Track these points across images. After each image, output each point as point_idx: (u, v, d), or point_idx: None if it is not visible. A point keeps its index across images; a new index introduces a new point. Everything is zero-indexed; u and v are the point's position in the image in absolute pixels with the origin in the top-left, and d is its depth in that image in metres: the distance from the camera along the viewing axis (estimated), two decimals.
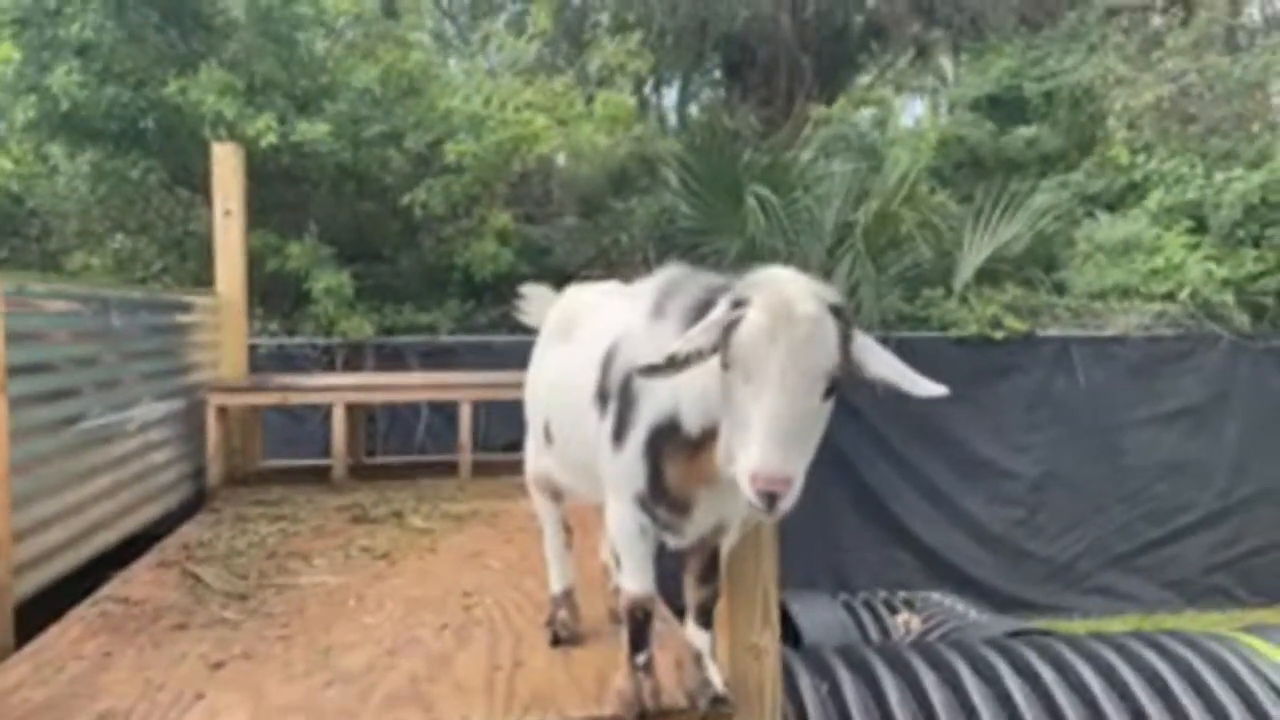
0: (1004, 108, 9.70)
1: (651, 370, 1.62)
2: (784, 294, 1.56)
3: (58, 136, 6.30)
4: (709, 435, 1.72)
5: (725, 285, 1.73)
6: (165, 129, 6.13)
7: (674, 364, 1.60)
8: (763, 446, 1.48)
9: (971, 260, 7.31)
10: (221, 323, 4.68)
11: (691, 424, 1.76)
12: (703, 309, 1.72)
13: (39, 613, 2.68)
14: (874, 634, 4.23)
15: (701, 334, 1.61)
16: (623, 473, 1.90)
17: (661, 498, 1.87)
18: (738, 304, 1.58)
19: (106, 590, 2.87)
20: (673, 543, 1.97)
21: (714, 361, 1.62)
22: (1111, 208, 8.61)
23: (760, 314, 1.54)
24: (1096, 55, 9.88)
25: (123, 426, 3.45)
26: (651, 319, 1.87)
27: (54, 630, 2.56)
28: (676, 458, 1.80)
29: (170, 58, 6.20)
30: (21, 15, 5.94)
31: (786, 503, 1.49)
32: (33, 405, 2.83)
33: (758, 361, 1.52)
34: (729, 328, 1.56)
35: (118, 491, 3.38)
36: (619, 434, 1.88)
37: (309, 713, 2.03)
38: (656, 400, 1.81)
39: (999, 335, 6.82)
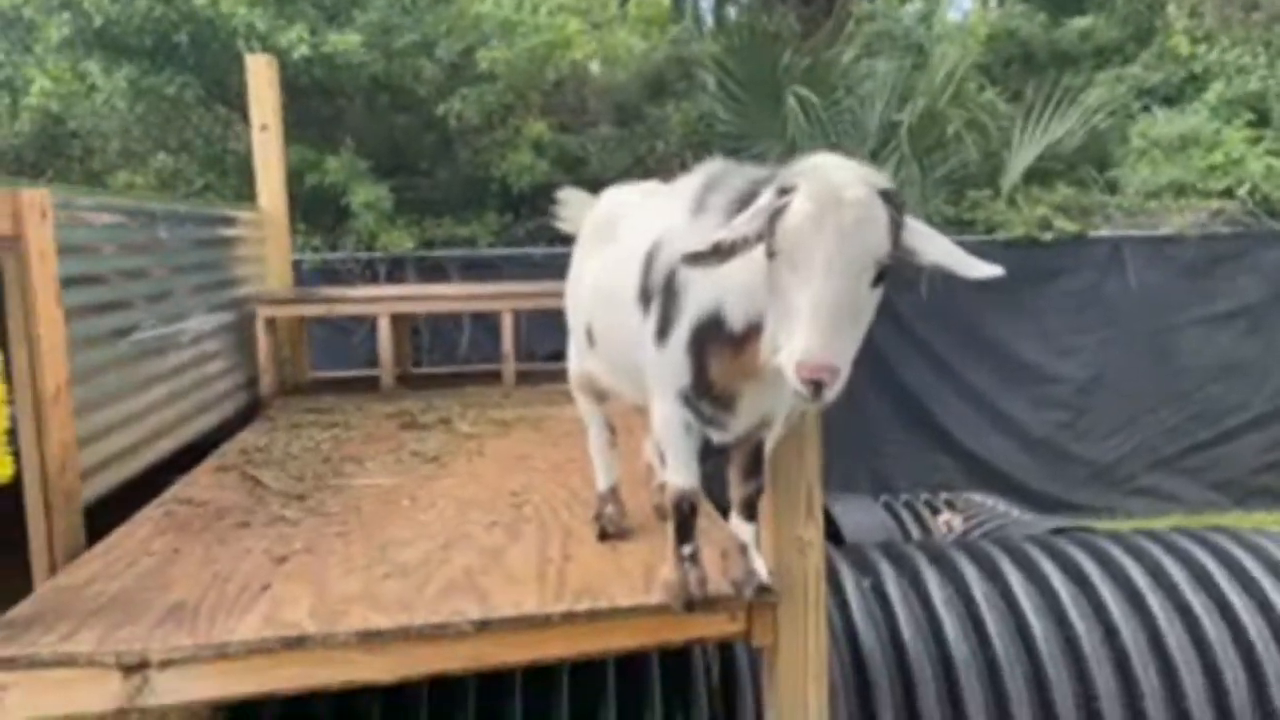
0: None
1: (696, 259, 1.60)
2: (831, 179, 1.52)
3: (93, 53, 6.30)
4: (754, 330, 1.71)
5: (770, 176, 1.70)
6: (198, 43, 6.08)
7: (719, 252, 1.58)
8: (808, 334, 1.46)
9: (1021, 159, 7.06)
10: (265, 237, 4.72)
11: (735, 319, 1.75)
12: (747, 200, 1.69)
13: (108, 516, 2.80)
14: (915, 534, 4.27)
15: (747, 222, 1.59)
16: (667, 369, 1.90)
17: (706, 393, 1.87)
18: (783, 191, 1.55)
19: (171, 492, 2.99)
20: (717, 438, 1.98)
21: (759, 256, 1.60)
22: (1170, 101, 8.25)
23: (807, 200, 1.50)
24: None
25: (176, 338, 3.53)
26: (694, 215, 1.85)
27: (123, 529, 2.68)
28: (721, 354, 1.80)
29: None
30: None
31: (832, 391, 1.48)
32: (88, 316, 2.90)
33: (804, 249, 1.49)
34: (775, 215, 1.53)
35: (175, 401, 3.48)
36: (663, 331, 1.88)
37: (369, 602, 2.11)
38: (699, 296, 1.80)
39: (1048, 237, 6.64)
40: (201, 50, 6.15)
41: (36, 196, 2.63)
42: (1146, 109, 8.14)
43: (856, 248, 1.48)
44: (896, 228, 1.53)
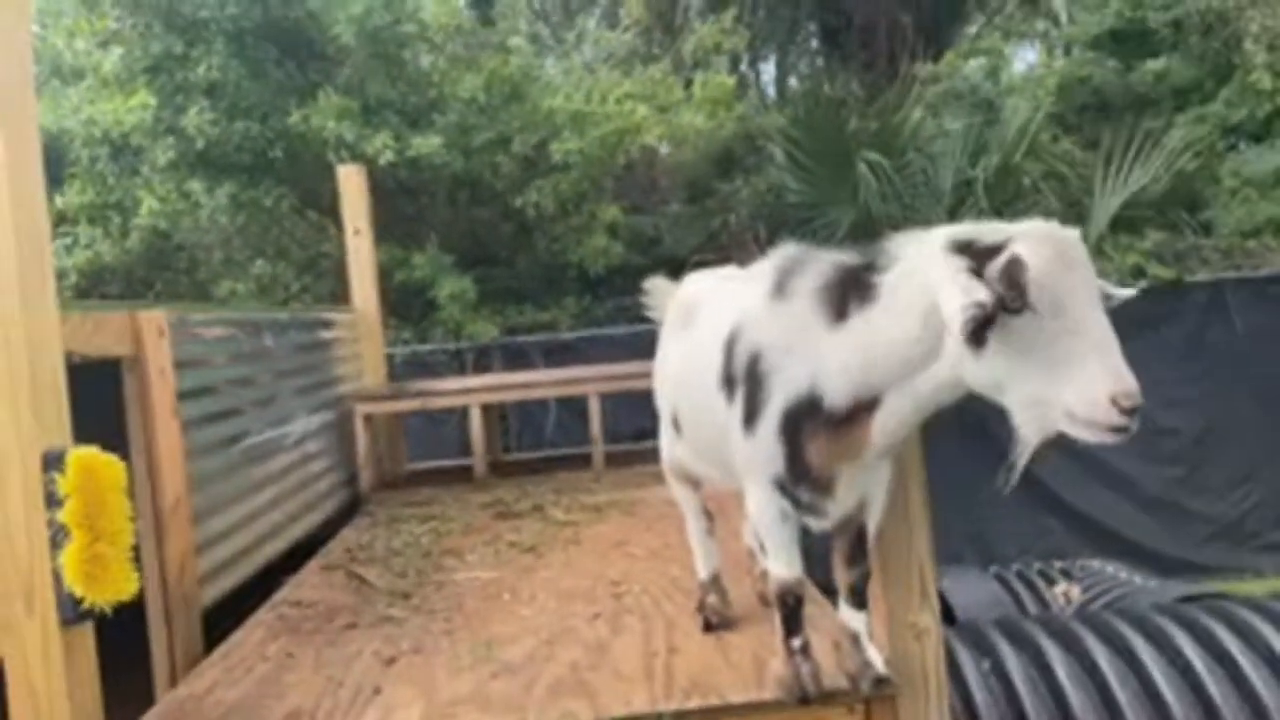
0: (1128, 42, 9.11)
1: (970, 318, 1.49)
2: (1043, 228, 1.55)
3: (196, 173, 6.75)
4: (862, 409, 1.71)
5: (867, 261, 1.71)
6: (292, 157, 6.47)
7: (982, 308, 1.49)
8: (1113, 364, 1.46)
9: (1105, 207, 6.90)
10: (360, 336, 4.91)
11: (837, 400, 1.74)
12: (837, 283, 1.73)
13: (222, 620, 2.88)
14: (1031, 607, 4.06)
15: (978, 288, 1.49)
16: (758, 457, 1.88)
17: (803, 478, 1.85)
18: (991, 252, 1.50)
19: (282, 595, 3.06)
20: (815, 525, 1.94)
21: (859, 335, 1.65)
22: (1257, 138, 7.99)
23: (1045, 247, 1.50)
24: None
25: (282, 440, 3.66)
26: (773, 299, 1.85)
27: (238, 634, 2.74)
28: (818, 436, 1.78)
29: (290, 89, 6.54)
30: (152, 63, 6.38)
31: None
32: (202, 426, 3.04)
33: (1065, 290, 1.48)
34: (1008, 272, 1.48)
35: (282, 502, 3.60)
36: (750, 418, 1.87)
37: (480, 704, 2.10)
38: (790, 380, 1.79)
39: (1142, 284, 6.41)
40: (295, 163, 6.53)
41: (153, 318, 2.79)
42: (1234, 147, 7.90)
43: (1093, 279, 1.52)
44: None
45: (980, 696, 2.74)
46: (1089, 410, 1.46)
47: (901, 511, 2.07)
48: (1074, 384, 1.47)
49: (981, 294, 1.47)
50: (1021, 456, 1.55)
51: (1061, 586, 4.10)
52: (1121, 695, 2.76)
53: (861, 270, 1.71)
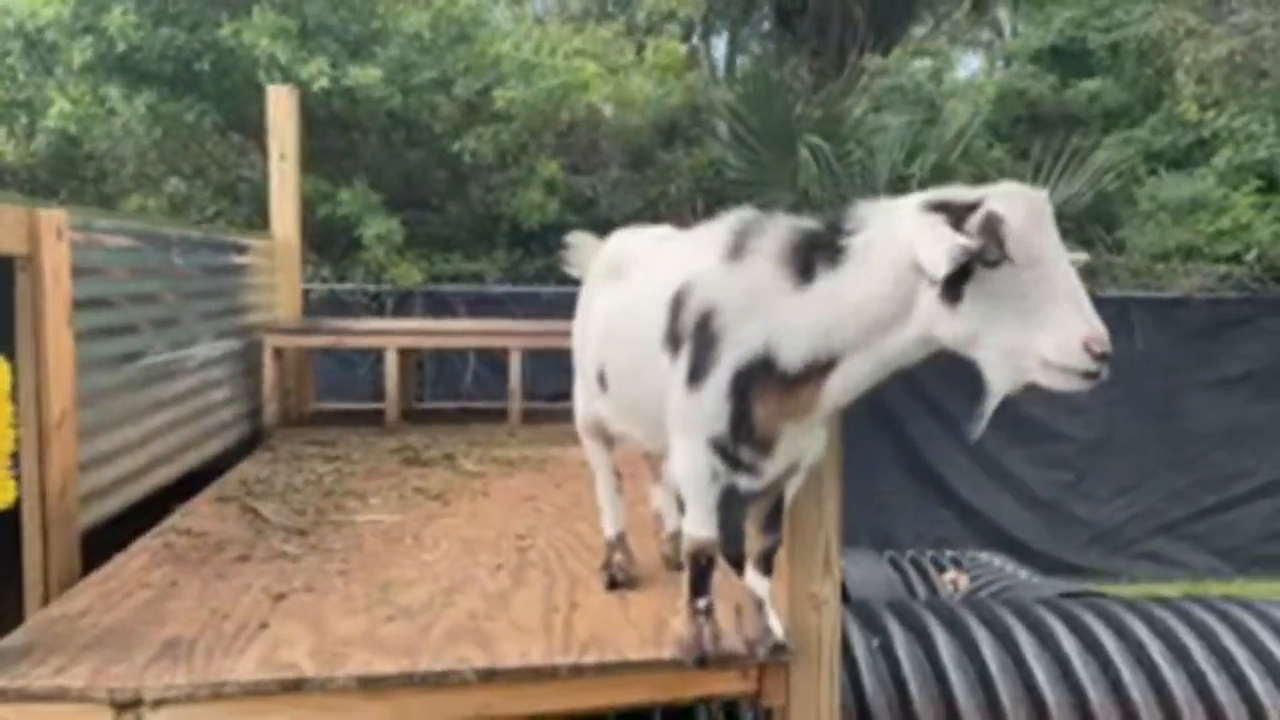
0: (1066, 60, 9.38)
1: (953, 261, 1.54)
2: (1014, 188, 1.61)
3: (114, 78, 6.35)
4: (818, 369, 1.73)
5: (832, 224, 1.73)
6: (219, 72, 6.14)
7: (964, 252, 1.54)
8: (1085, 312, 1.51)
9: None
10: (276, 266, 4.71)
11: (791, 360, 1.75)
12: (801, 245, 1.75)
13: (103, 543, 2.75)
14: (921, 591, 4.20)
15: (958, 236, 1.54)
16: (700, 414, 1.87)
17: (747, 437, 1.85)
18: (967, 209, 1.56)
19: (170, 522, 2.93)
20: (746, 485, 1.93)
21: (826, 296, 1.69)
22: (1177, 165, 8.34)
23: (1019, 203, 1.56)
24: (1165, 6, 9.48)
25: (183, 364, 3.50)
26: (729, 259, 1.84)
27: (120, 558, 2.62)
28: (767, 396, 1.79)
29: (223, 0, 6.20)
30: None
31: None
32: (97, 338, 2.87)
33: (1037, 245, 1.54)
34: (987, 225, 1.54)
35: (178, 427, 3.44)
36: (696, 375, 1.86)
37: (371, 645, 2.05)
38: (742, 339, 1.80)
39: None
40: (222, 79, 6.20)
41: (53, 217, 2.61)
42: (1154, 172, 8.22)
43: (1059, 236, 1.57)
44: None
45: (867, 671, 2.82)
46: (1064, 356, 1.51)
47: (815, 484, 2.09)
48: (1048, 331, 1.52)
49: (963, 239, 1.53)
50: (989, 407, 1.62)
51: (951, 574, 4.25)
52: (999, 677, 2.88)
53: (828, 232, 1.73)
